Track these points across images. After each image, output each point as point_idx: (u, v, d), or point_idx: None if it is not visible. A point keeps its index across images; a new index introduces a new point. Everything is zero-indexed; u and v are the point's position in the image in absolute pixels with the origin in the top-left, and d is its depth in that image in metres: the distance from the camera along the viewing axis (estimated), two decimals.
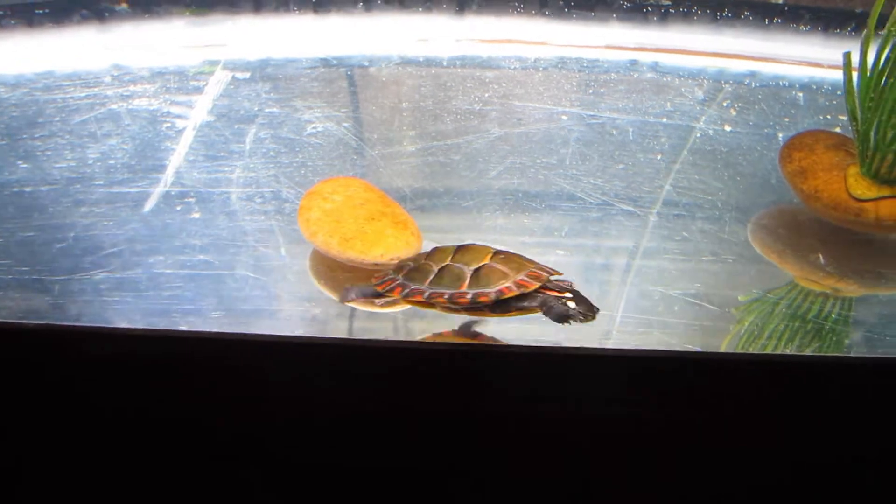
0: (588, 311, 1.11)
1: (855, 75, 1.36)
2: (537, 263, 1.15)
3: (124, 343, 1.18)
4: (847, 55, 1.35)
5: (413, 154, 1.57)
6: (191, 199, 1.42)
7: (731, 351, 1.24)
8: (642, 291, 1.31)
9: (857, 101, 1.34)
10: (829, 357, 1.25)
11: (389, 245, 1.28)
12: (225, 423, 1.22)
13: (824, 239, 1.41)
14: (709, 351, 1.23)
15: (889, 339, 1.26)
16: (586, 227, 1.43)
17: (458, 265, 1.15)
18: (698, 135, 1.65)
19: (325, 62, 1.81)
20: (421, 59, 1.85)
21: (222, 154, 1.53)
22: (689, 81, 1.82)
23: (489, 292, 1.12)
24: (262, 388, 1.20)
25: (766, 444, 1.22)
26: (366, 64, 1.83)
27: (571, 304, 1.11)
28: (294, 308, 1.26)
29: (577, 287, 1.14)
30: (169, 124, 1.58)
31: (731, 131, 1.66)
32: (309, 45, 1.83)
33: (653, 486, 1.26)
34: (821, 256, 1.38)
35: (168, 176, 1.47)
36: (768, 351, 1.27)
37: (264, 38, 1.83)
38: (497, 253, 1.16)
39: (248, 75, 1.73)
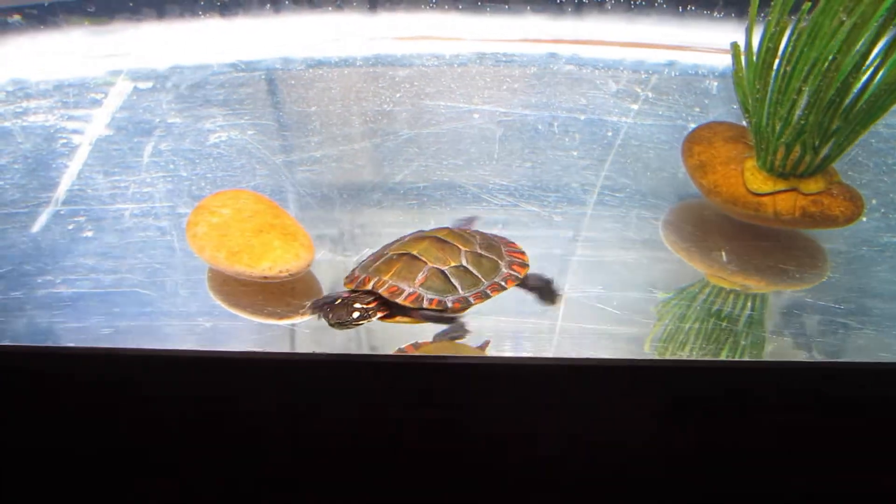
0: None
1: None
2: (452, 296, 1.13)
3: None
4: (735, 45, 1.31)
5: (318, 161, 1.53)
6: (82, 218, 1.38)
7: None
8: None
9: (747, 92, 1.30)
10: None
11: (277, 257, 1.25)
12: (192, 440, 1.19)
13: (729, 235, 1.38)
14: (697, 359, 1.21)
15: (788, 339, 1.23)
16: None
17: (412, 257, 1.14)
18: (610, 129, 1.62)
19: (234, 67, 1.77)
20: (333, 60, 1.81)
21: (117, 169, 1.49)
22: (607, 73, 1.79)
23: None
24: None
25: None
26: (276, 67, 1.79)
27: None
28: (186, 322, 1.23)
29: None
30: (64, 140, 1.54)
31: (642, 124, 1.62)
32: (216, 51, 1.79)
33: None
34: (723, 254, 1.34)
35: (59, 194, 1.43)
36: (686, 351, 1.24)
37: (169, 44, 1.78)
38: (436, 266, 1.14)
39: (150, 85, 1.69)
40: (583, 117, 1.65)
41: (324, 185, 1.48)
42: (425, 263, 1.12)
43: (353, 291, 1.12)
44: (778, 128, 1.26)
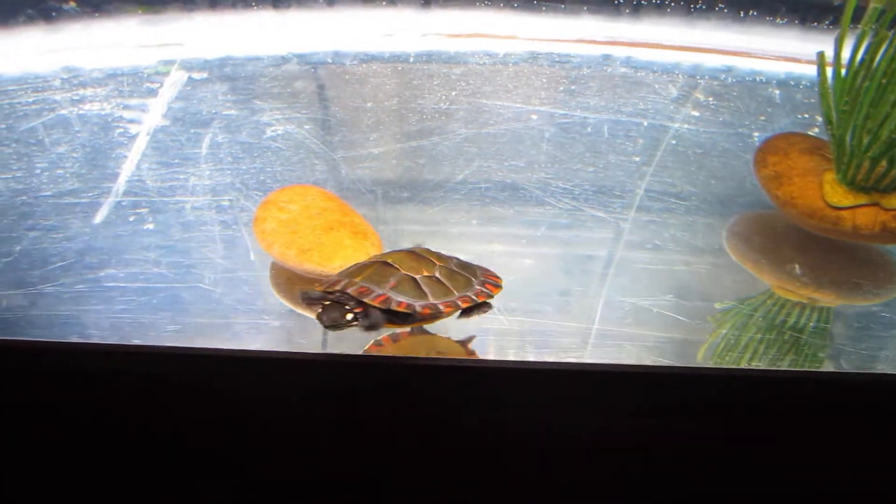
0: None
1: (830, 76, 1.31)
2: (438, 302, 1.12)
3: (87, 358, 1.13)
4: (821, 55, 1.29)
5: (377, 157, 1.52)
6: (144, 210, 1.36)
7: (712, 365, 1.20)
8: (613, 303, 1.27)
9: (832, 104, 1.29)
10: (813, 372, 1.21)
11: (348, 256, 1.23)
12: (194, 438, 1.17)
13: (801, 247, 1.37)
14: (690, 365, 1.19)
15: (864, 353, 1.21)
16: (555, 235, 1.38)
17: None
18: (672, 135, 1.60)
19: (286, 60, 1.75)
20: (386, 55, 1.80)
21: (177, 161, 1.47)
22: (664, 77, 1.77)
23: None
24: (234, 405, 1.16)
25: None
26: (328, 61, 1.77)
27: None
28: (252, 320, 1.21)
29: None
30: (121, 130, 1.52)
31: (705, 131, 1.61)
32: (269, 42, 1.77)
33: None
34: (797, 267, 1.33)
35: (120, 185, 1.41)
36: (744, 362, 1.23)
37: (222, 35, 1.76)
38: (427, 275, 1.13)
39: (205, 75, 1.67)
40: (644, 122, 1.63)
41: (384, 182, 1.47)
42: (398, 270, 1.12)
43: (330, 292, 1.11)
44: (865, 141, 1.24)
